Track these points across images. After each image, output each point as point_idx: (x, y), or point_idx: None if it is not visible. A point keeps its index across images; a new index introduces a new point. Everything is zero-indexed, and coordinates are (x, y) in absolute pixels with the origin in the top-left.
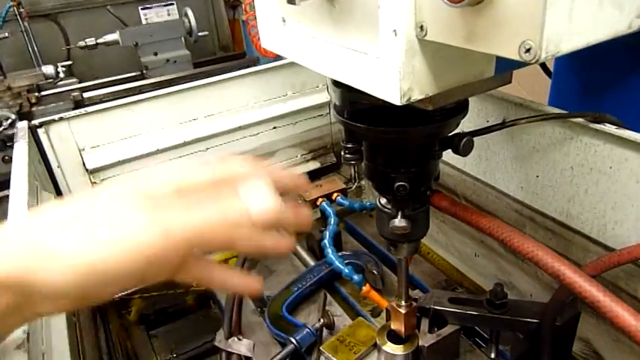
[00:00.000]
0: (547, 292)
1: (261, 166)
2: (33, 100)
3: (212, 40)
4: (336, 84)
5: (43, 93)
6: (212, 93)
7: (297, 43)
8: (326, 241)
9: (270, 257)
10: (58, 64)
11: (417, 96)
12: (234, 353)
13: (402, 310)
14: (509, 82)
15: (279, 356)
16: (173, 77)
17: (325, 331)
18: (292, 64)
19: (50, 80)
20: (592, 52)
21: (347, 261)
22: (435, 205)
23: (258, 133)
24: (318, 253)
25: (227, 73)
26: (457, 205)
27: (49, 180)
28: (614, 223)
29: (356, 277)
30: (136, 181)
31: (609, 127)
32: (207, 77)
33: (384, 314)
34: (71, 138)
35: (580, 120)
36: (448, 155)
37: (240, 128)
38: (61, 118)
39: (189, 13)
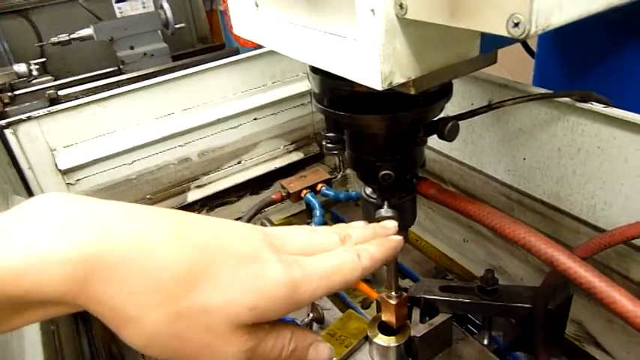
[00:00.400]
0: (537, 275)
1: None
2: (6, 100)
3: (190, 31)
4: (314, 70)
5: (17, 92)
6: (189, 85)
7: (271, 29)
8: None
9: None
10: (31, 61)
11: (398, 79)
12: None
13: (393, 302)
14: (495, 62)
15: None
16: (151, 71)
17: (315, 326)
18: (271, 53)
19: (23, 79)
20: (576, 30)
21: None
22: (422, 193)
23: (238, 125)
24: None
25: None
26: (445, 192)
27: (20, 183)
28: (604, 203)
29: None
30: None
31: (596, 106)
32: (186, 69)
33: (374, 305)
34: (41, 137)
35: (567, 100)
36: (433, 140)
37: (219, 121)
38: (29, 117)
39: (165, 5)
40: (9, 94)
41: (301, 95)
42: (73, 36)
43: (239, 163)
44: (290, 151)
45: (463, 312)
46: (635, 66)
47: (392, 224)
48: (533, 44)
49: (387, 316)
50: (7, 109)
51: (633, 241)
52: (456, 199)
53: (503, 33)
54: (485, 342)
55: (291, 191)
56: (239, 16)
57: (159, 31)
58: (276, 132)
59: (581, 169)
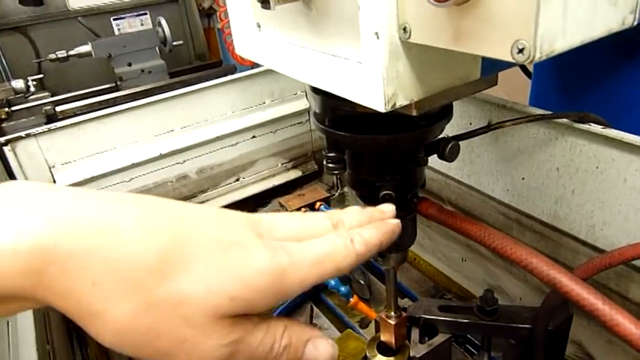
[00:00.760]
0: (536, 295)
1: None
2: (3, 116)
3: (187, 49)
4: (316, 91)
5: (14, 108)
6: (188, 103)
7: (273, 50)
8: None
9: None
10: (29, 77)
11: (401, 102)
12: None
13: (392, 322)
14: (495, 84)
15: None
16: (149, 87)
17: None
18: (270, 71)
19: (21, 95)
20: (572, 52)
21: None
22: (422, 212)
23: (237, 143)
24: None
25: (204, 82)
26: (445, 212)
27: None
28: (603, 223)
29: (343, 288)
30: None
31: (594, 127)
32: (184, 87)
33: (372, 324)
34: (40, 155)
35: (565, 120)
36: (431, 159)
37: (218, 138)
38: (28, 135)
39: (163, 22)
40: (6, 109)
41: (299, 113)
42: (71, 52)
43: (237, 180)
44: (288, 169)
45: (463, 332)
46: (632, 87)
47: (389, 207)
48: (529, 65)
49: (386, 336)
50: (3, 124)
51: (633, 262)
52: (457, 219)
53: (508, 59)
54: None
55: (289, 209)
56: (241, 37)
57: (156, 48)
58: (274, 150)
59: (580, 189)
